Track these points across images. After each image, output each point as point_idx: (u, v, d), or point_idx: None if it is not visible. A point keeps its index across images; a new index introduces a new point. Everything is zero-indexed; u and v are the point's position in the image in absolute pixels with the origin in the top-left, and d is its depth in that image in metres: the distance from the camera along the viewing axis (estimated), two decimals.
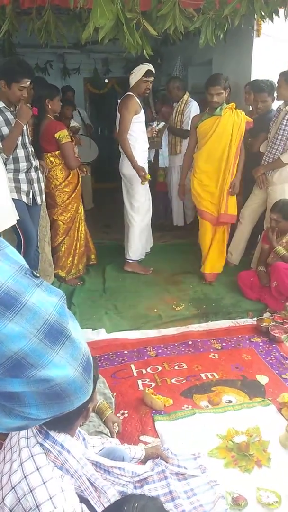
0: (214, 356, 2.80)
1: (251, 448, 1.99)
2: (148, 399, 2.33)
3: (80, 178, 3.84)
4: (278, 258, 3.38)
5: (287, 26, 3.57)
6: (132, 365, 2.70)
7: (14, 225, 2.86)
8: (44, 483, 1.17)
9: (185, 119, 4.60)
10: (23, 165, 3.02)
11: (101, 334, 3.04)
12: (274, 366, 2.68)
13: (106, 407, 2.09)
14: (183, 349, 2.88)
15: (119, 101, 3.77)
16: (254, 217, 4.03)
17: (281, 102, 3.65)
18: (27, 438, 1.27)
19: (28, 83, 2.86)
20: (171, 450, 1.96)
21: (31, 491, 1.16)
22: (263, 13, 2.89)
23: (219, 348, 2.89)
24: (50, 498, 1.15)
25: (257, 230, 4.12)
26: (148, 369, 2.66)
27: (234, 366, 2.68)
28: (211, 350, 2.87)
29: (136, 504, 1.00)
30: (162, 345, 2.92)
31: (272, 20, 3.01)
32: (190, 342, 2.95)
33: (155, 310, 3.41)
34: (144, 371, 2.64)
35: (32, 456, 1.22)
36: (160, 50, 6.37)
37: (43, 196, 3.34)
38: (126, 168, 3.78)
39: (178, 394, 2.43)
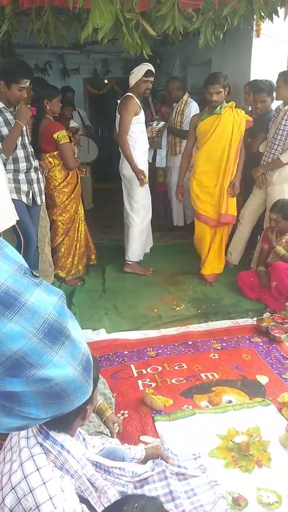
0: (214, 356, 2.80)
1: (251, 448, 1.99)
2: (148, 399, 2.32)
3: (79, 179, 3.84)
4: (278, 258, 3.38)
5: (286, 26, 3.58)
6: (132, 365, 2.69)
7: (14, 225, 2.86)
8: (44, 483, 1.17)
9: (185, 119, 4.59)
10: (22, 165, 3.02)
11: (101, 335, 3.04)
12: (274, 366, 2.68)
13: (106, 408, 2.09)
14: (183, 349, 2.88)
15: (118, 101, 3.76)
16: (254, 217, 4.03)
17: (280, 102, 3.65)
18: (27, 438, 1.26)
19: (28, 83, 2.86)
20: (171, 450, 1.96)
21: (31, 491, 1.15)
22: (262, 13, 2.89)
23: (219, 348, 2.89)
24: (50, 498, 1.15)
25: (257, 230, 4.12)
26: (148, 369, 2.66)
27: (234, 366, 2.68)
28: (211, 350, 2.86)
29: (136, 504, 1.00)
30: (162, 345, 2.92)
31: (271, 20, 3.01)
32: (190, 342, 2.94)
33: (155, 310, 3.41)
34: (144, 371, 2.64)
35: (32, 456, 1.22)
36: (159, 50, 6.38)
37: (43, 197, 3.34)
38: (126, 169, 3.78)
39: (178, 394, 2.43)
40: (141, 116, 3.75)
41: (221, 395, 2.41)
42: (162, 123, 4.47)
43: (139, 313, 3.38)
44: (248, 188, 3.94)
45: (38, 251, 3.44)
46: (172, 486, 1.72)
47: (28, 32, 3.25)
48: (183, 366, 2.69)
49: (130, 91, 3.66)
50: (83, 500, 1.31)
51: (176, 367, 2.67)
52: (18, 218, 2.83)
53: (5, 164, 2.92)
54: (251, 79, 4.18)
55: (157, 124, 4.41)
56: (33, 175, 3.13)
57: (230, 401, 2.36)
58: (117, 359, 2.76)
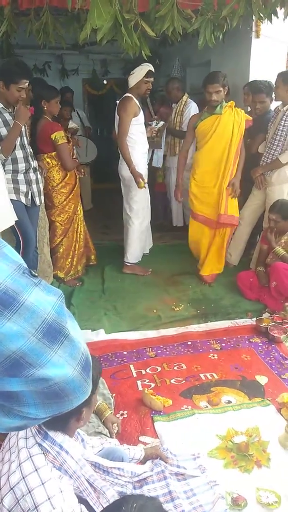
0: (213, 356, 2.80)
1: (250, 448, 1.99)
2: (148, 399, 2.32)
3: (77, 179, 3.83)
4: (277, 258, 3.38)
5: (285, 27, 3.59)
6: (131, 366, 2.69)
7: (13, 226, 2.86)
8: (42, 483, 1.17)
9: (185, 120, 4.59)
10: (21, 166, 3.02)
11: (100, 335, 3.04)
12: (273, 366, 2.68)
13: (105, 408, 2.09)
14: (182, 350, 2.88)
15: (117, 102, 3.75)
16: (254, 218, 4.03)
17: (279, 103, 3.65)
18: (26, 438, 1.27)
19: (27, 84, 2.86)
20: (170, 451, 1.96)
21: (29, 491, 1.15)
22: (261, 14, 2.89)
23: (219, 348, 2.89)
24: (49, 498, 1.15)
25: (256, 230, 4.12)
26: (148, 370, 2.66)
27: (233, 367, 2.68)
28: (211, 350, 2.86)
29: (135, 504, 1.00)
30: (161, 346, 2.92)
31: (270, 21, 3.02)
32: (189, 343, 2.94)
33: (154, 310, 3.41)
34: (143, 372, 2.64)
35: (30, 456, 1.22)
36: (158, 51, 6.39)
37: (42, 197, 3.34)
38: (125, 170, 3.76)
39: (177, 395, 2.43)
40: (141, 117, 3.74)
41: (220, 396, 2.41)
42: (161, 122, 4.46)
43: (138, 313, 3.38)
44: (247, 188, 3.94)
45: (37, 252, 3.44)
46: (171, 487, 1.72)
47: (27, 32, 3.25)
48: (182, 367, 2.69)
49: (129, 92, 3.64)
50: (82, 500, 1.31)
51: (175, 368, 2.67)
52: (17, 219, 2.83)
53: (4, 165, 2.92)
54: (250, 80, 4.19)
55: (157, 124, 4.40)
56: (32, 175, 3.13)
57: (229, 402, 2.36)
58: (116, 360, 2.76)
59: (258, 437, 2.07)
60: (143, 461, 1.85)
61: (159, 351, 2.86)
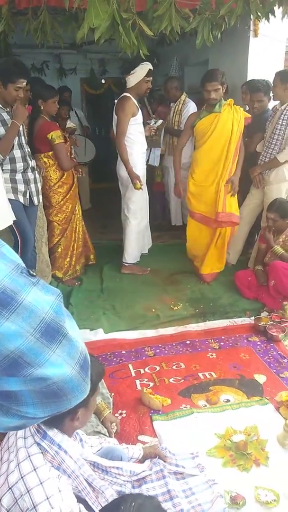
0: (212, 355, 2.80)
1: (249, 447, 2.00)
2: (146, 398, 2.33)
3: (75, 179, 3.81)
4: (275, 257, 3.38)
5: (283, 26, 3.59)
6: (130, 365, 2.70)
7: (11, 225, 2.86)
8: (41, 483, 1.17)
9: (183, 119, 4.57)
10: (19, 165, 3.02)
11: (99, 334, 3.04)
12: (271, 365, 2.68)
13: (104, 407, 2.09)
14: (181, 349, 2.88)
15: (116, 101, 3.74)
16: (252, 217, 4.03)
17: (277, 102, 3.66)
18: (25, 438, 1.26)
19: (24, 83, 2.85)
20: (169, 450, 1.96)
21: (28, 491, 1.15)
22: (259, 13, 2.89)
23: (217, 347, 2.89)
24: (47, 498, 1.15)
25: (254, 229, 4.13)
26: (146, 369, 2.66)
27: (232, 365, 2.68)
28: (209, 349, 2.87)
29: (133, 503, 1.00)
30: (160, 345, 2.92)
31: (268, 20, 3.02)
32: (188, 342, 2.95)
33: (153, 310, 3.42)
34: (142, 371, 2.64)
35: (29, 456, 1.22)
36: (156, 50, 6.39)
37: (40, 197, 3.33)
38: (123, 170, 3.74)
39: (176, 394, 2.43)
40: (139, 116, 3.72)
41: (219, 394, 2.41)
42: (160, 121, 4.45)
43: (137, 313, 3.38)
44: (246, 188, 3.94)
45: (36, 251, 3.43)
46: (170, 485, 1.72)
47: (25, 32, 3.24)
48: (181, 366, 2.69)
49: (128, 91, 3.62)
50: (81, 500, 1.31)
51: (174, 367, 2.68)
52: (15, 218, 2.83)
53: (1, 164, 2.92)
54: (248, 79, 4.19)
55: (155, 123, 4.38)
56: (30, 175, 3.13)
57: (228, 400, 2.37)
58: (115, 359, 2.76)
59: (257, 436, 2.08)
60: (142, 460, 1.85)
61: (158, 351, 2.86)
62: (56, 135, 3.40)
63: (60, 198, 3.69)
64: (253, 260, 3.85)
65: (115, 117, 3.70)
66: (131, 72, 3.59)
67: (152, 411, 2.29)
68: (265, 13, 2.94)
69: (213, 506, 1.68)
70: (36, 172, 3.22)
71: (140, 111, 3.75)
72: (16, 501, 1.16)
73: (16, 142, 2.95)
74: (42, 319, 0.67)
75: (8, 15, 3.05)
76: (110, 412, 2.14)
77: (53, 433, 1.29)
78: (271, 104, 3.86)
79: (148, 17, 2.77)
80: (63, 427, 1.31)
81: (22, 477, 1.18)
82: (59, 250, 3.80)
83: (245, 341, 2.96)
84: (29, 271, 0.69)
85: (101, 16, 2.40)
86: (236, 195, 3.70)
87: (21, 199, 3.10)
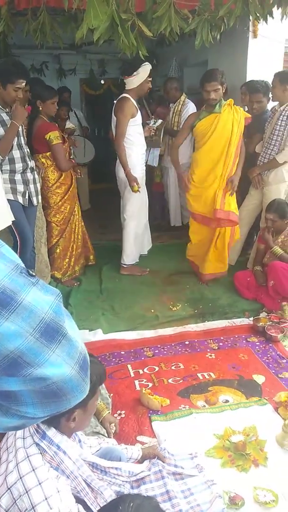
0: (211, 356, 2.80)
1: (248, 448, 2.00)
2: (145, 399, 2.33)
3: (74, 180, 3.80)
4: (275, 258, 3.39)
5: (282, 27, 3.60)
6: (129, 366, 2.70)
7: (10, 226, 2.86)
8: (39, 483, 1.17)
9: (183, 120, 4.56)
10: (19, 166, 3.02)
11: (98, 335, 3.04)
12: (270, 365, 2.68)
13: (103, 408, 2.10)
14: (180, 349, 2.88)
15: (115, 102, 3.74)
16: (251, 218, 4.04)
17: (276, 103, 3.66)
18: (24, 438, 1.26)
19: (23, 84, 2.86)
20: (168, 450, 1.96)
21: (26, 492, 1.15)
22: (257, 14, 2.90)
23: (216, 348, 2.89)
24: (46, 498, 1.15)
25: (253, 230, 4.13)
26: (145, 369, 2.66)
27: (230, 366, 2.68)
28: (208, 350, 2.87)
29: (132, 504, 1.00)
30: (159, 345, 2.92)
31: (266, 21, 3.02)
32: (187, 342, 2.95)
33: (152, 310, 3.42)
34: (141, 372, 2.64)
35: (28, 456, 1.22)
36: (155, 51, 6.39)
37: (39, 197, 3.34)
38: (121, 171, 3.72)
39: (175, 394, 2.43)
40: (138, 117, 3.70)
41: (217, 395, 2.41)
42: (159, 121, 4.43)
43: (136, 313, 3.39)
44: (245, 188, 3.94)
45: (35, 252, 3.43)
46: (169, 486, 1.72)
47: (24, 32, 3.25)
48: (179, 366, 2.69)
49: (127, 92, 3.61)
50: (79, 500, 1.32)
51: (173, 367, 2.68)
52: (14, 219, 2.83)
53: (1, 165, 2.92)
54: (247, 80, 4.20)
55: (154, 123, 4.37)
56: (29, 175, 3.13)
57: (226, 401, 2.37)
58: (113, 360, 2.76)
59: (255, 436, 2.08)
60: (140, 461, 1.85)
61: (157, 351, 2.86)
62: (54, 136, 3.40)
63: (58, 199, 3.68)
64: (252, 260, 3.85)
65: (114, 118, 3.68)
66: (134, 74, 3.55)
67: (151, 411, 2.29)
68: (264, 15, 2.94)
69: (212, 507, 1.68)
70: (35, 172, 3.22)
71: (139, 112, 3.73)
72: (15, 501, 1.16)
73: (15, 143, 2.95)
74: (42, 319, 0.68)
75: (8, 16, 3.05)
76: (109, 412, 2.14)
77: (52, 434, 1.29)
78: (270, 104, 3.87)
79: (147, 18, 2.78)
80: (59, 427, 1.31)
81: (21, 478, 1.18)
82: (58, 250, 3.80)
83: (244, 341, 2.96)
84: (28, 271, 0.69)
85: (100, 17, 2.40)
86: (235, 194, 3.65)
87: (20, 199, 3.10)
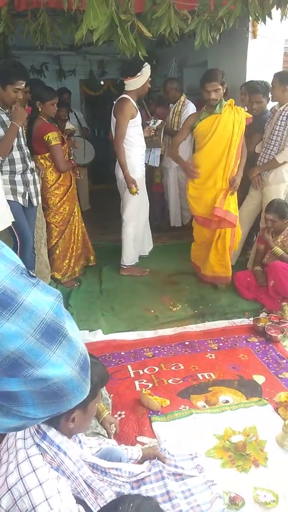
0: (211, 356, 2.80)
1: (248, 448, 2.00)
2: (145, 399, 2.33)
3: (73, 181, 3.79)
4: (275, 258, 3.39)
5: (281, 27, 3.60)
6: (129, 366, 2.70)
7: (10, 226, 2.86)
8: (40, 484, 1.17)
9: (183, 120, 4.55)
10: (19, 167, 3.02)
11: (98, 336, 3.04)
12: (270, 365, 2.69)
13: (103, 408, 2.10)
14: (180, 350, 2.88)
15: (114, 103, 3.73)
16: (251, 218, 4.03)
17: (275, 103, 3.66)
18: (24, 439, 1.27)
19: (23, 85, 2.86)
20: (168, 451, 1.96)
21: (27, 492, 1.16)
22: (257, 15, 2.90)
23: (216, 348, 2.89)
24: (47, 499, 1.15)
25: (253, 230, 4.13)
26: (145, 370, 2.66)
27: (231, 366, 2.68)
28: (208, 350, 2.87)
29: (132, 504, 1.01)
30: (159, 346, 2.92)
31: (264, 22, 3.02)
32: (187, 343, 2.95)
33: (152, 311, 3.42)
34: (141, 372, 2.64)
35: (28, 457, 1.22)
36: (155, 51, 6.39)
37: (39, 198, 3.34)
38: (121, 173, 3.71)
39: (175, 395, 2.43)
40: (138, 118, 3.70)
41: (218, 395, 2.42)
42: (159, 121, 4.43)
43: (136, 314, 3.38)
44: (245, 189, 3.93)
45: (35, 253, 3.43)
46: (169, 486, 1.72)
47: (24, 33, 3.25)
48: (180, 367, 2.69)
49: (127, 93, 3.60)
50: (80, 501, 1.32)
51: (173, 368, 2.68)
52: (13, 220, 2.83)
53: (1, 166, 2.92)
54: (246, 80, 4.20)
55: (154, 123, 4.37)
56: (29, 176, 3.13)
57: (227, 401, 2.37)
58: (114, 360, 2.76)
59: (256, 437, 2.08)
60: (141, 461, 1.85)
61: (157, 351, 2.86)
62: (52, 137, 3.40)
63: (57, 200, 3.68)
64: (252, 261, 3.85)
65: (113, 119, 3.67)
66: (138, 74, 3.54)
67: (151, 412, 2.29)
68: (263, 16, 2.94)
69: (212, 507, 1.69)
70: (35, 173, 3.23)
71: (139, 113, 3.73)
72: (16, 502, 1.16)
73: (15, 144, 2.96)
74: (42, 319, 0.68)
75: (8, 17, 3.06)
76: (109, 413, 2.14)
77: (53, 434, 1.29)
78: (270, 105, 3.87)
79: (147, 18, 2.78)
80: (59, 428, 1.31)
81: (21, 478, 1.18)
82: (57, 251, 3.80)
83: (244, 342, 2.97)
84: (29, 272, 0.69)
85: (99, 18, 2.40)
86: (236, 195, 3.59)
87: (20, 200, 3.10)
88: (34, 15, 3.13)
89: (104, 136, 7.90)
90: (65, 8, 2.66)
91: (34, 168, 3.22)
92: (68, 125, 5.05)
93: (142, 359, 2.78)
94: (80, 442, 1.54)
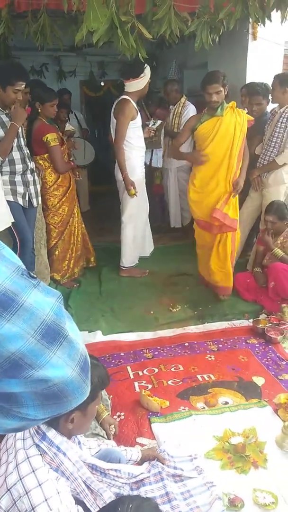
0: (210, 357, 2.80)
1: (247, 449, 2.00)
2: (145, 401, 2.33)
3: (72, 182, 3.79)
4: (275, 259, 3.39)
5: (281, 29, 3.60)
6: (128, 367, 2.70)
7: (10, 227, 2.86)
8: (39, 485, 1.17)
9: (183, 121, 4.54)
10: (19, 167, 3.02)
11: (98, 336, 3.04)
12: (270, 367, 2.68)
13: (102, 409, 2.09)
14: (179, 351, 2.88)
15: (114, 104, 3.73)
16: (251, 220, 4.04)
17: (275, 105, 3.67)
18: (24, 439, 1.27)
19: (23, 86, 2.86)
20: (167, 452, 1.96)
21: (26, 493, 1.16)
22: (257, 17, 2.90)
23: (216, 349, 2.89)
24: (46, 500, 1.15)
25: (253, 231, 4.13)
26: (145, 371, 2.66)
27: (230, 368, 2.68)
28: (208, 351, 2.87)
29: (131, 505, 1.01)
30: (158, 347, 2.92)
31: (264, 24, 3.02)
32: (186, 344, 2.95)
33: (152, 312, 3.41)
34: (140, 373, 2.64)
35: (28, 458, 1.22)
36: (155, 53, 6.40)
37: (39, 199, 3.34)
38: (121, 174, 3.70)
39: (174, 396, 2.43)
40: (138, 120, 3.69)
41: (217, 397, 2.41)
42: (159, 121, 4.42)
43: (136, 315, 3.38)
44: (245, 191, 3.92)
45: (34, 253, 3.43)
46: (168, 488, 1.72)
47: (25, 34, 3.26)
48: (179, 368, 2.69)
49: (127, 94, 3.60)
50: (79, 502, 1.32)
51: (172, 369, 2.68)
52: (13, 220, 2.83)
53: (0, 166, 2.92)
54: (247, 82, 4.20)
55: (154, 124, 4.37)
56: (29, 177, 3.13)
57: (226, 403, 2.37)
58: (113, 361, 2.76)
59: (255, 438, 2.08)
60: (140, 463, 1.85)
61: (156, 353, 2.86)
62: (51, 138, 3.40)
63: (56, 200, 3.67)
64: (251, 262, 3.85)
65: (113, 120, 3.67)
66: (141, 75, 3.53)
67: (150, 413, 2.29)
68: (263, 18, 2.95)
69: (211, 509, 1.68)
70: (35, 174, 3.23)
71: (139, 115, 3.73)
72: (15, 502, 1.16)
73: (15, 144, 2.96)
74: (43, 321, 0.68)
75: (8, 18, 3.06)
76: (109, 414, 2.14)
77: (52, 435, 1.29)
78: (270, 107, 3.87)
79: (147, 20, 2.78)
80: (58, 428, 1.31)
81: (20, 479, 1.18)
82: (57, 252, 3.80)
83: (244, 343, 2.96)
84: (29, 273, 0.70)
85: (99, 19, 2.41)
86: (237, 201, 3.50)
87: (20, 201, 3.10)
88: (34, 16, 3.14)
89: (104, 137, 7.91)
90: (65, 9, 2.67)
91: (34, 169, 3.22)
92: (68, 126, 5.05)
93: (142, 360, 2.78)
94: (79, 443, 1.54)
